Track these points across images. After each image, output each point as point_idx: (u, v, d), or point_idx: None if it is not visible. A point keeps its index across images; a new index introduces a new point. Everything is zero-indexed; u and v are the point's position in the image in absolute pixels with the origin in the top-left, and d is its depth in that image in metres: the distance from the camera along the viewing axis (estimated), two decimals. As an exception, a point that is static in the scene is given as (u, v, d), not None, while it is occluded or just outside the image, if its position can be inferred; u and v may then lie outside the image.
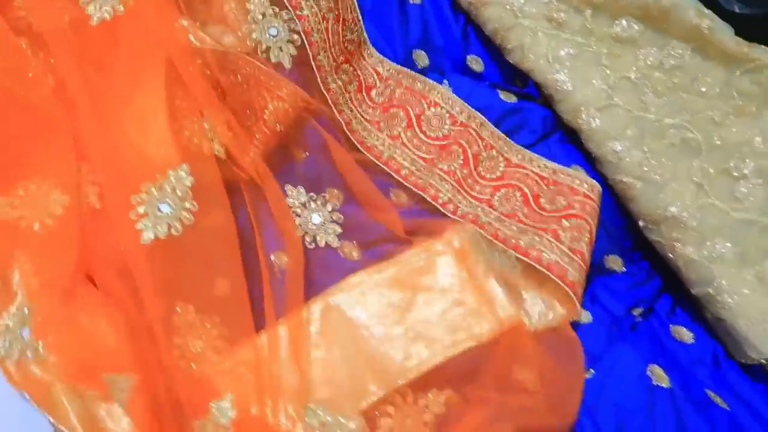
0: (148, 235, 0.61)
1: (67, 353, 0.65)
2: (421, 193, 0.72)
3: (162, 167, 0.66)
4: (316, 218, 0.71)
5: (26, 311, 0.65)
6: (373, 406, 0.64)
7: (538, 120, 0.76)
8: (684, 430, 0.64)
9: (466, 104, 0.74)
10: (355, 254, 0.70)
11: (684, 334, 0.72)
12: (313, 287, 0.68)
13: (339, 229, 0.70)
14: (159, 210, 0.62)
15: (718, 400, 0.68)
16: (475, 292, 0.66)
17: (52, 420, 0.62)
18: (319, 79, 0.74)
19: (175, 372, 0.63)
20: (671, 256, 0.69)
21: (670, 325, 0.73)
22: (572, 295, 0.65)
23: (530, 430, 0.63)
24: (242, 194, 0.69)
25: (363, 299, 0.67)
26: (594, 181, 0.70)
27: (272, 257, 0.67)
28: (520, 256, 0.68)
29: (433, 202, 0.72)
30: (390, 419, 0.63)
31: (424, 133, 0.74)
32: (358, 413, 0.64)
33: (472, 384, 0.62)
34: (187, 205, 0.63)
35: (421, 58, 0.82)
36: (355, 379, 0.64)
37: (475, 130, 0.73)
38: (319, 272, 0.69)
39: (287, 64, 0.71)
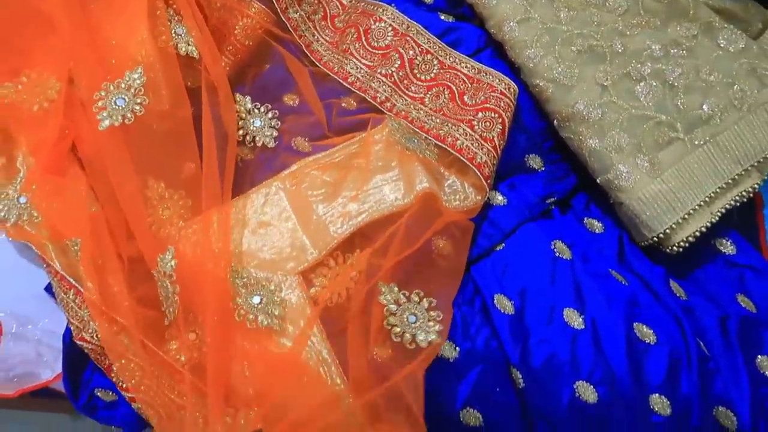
0: (104, 124, 0.73)
1: (56, 218, 0.77)
2: (364, 95, 0.83)
3: (121, 69, 0.78)
4: (258, 122, 0.82)
5: (24, 182, 0.78)
6: (310, 268, 0.75)
7: (473, 37, 0.85)
8: (581, 296, 0.72)
9: (408, 18, 0.84)
10: (307, 147, 0.81)
11: (595, 225, 0.80)
12: (261, 174, 0.80)
13: (276, 133, 0.82)
14: (115, 104, 0.74)
15: (618, 276, 0.75)
16: (399, 170, 0.76)
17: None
18: (279, 9, 0.88)
19: (143, 235, 0.74)
20: (579, 149, 0.77)
21: (585, 218, 0.81)
22: (479, 174, 0.74)
23: (439, 291, 0.72)
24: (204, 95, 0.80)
25: (305, 180, 0.78)
26: (511, 81, 0.79)
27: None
28: (438, 143, 0.78)
29: (373, 102, 0.83)
30: (325, 278, 0.73)
31: (369, 44, 0.85)
32: (297, 274, 0.74)
33: (388, 243, 0.72)
34: (138, 99, 0.74)
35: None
36: (295, 246, 0.75)
37: (412, 38, 0.84)
38: (263, 165, 0.80)
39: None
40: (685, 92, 0.76)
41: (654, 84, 0.76)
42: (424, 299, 0.69)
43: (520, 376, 0.68)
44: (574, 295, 0.72)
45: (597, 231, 0.80)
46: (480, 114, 0.77)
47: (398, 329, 0.68)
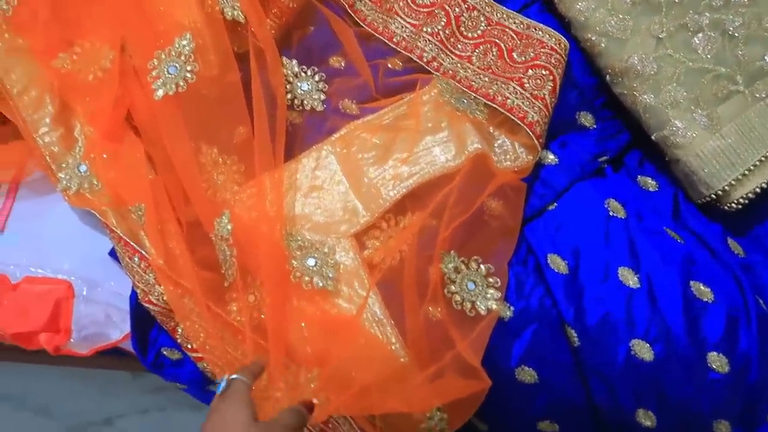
0: (158, 93, 0.73)
1: (116, 185, 0.79)
2: (410, 55, 0.82)
3: (170, 36, 0.78)
4: (305, 86, 0.82)
5: (83, 151, 0.80)
6: (362, 231, 0.76)
7: (520, -9, 0.84)
8: (636, 255, 0.72)
9: (452, -26, 0.83)
10: (355, 110, 0.81)
11: (649, 183, 0.79)
12: (310, 138, 0.80)
13: (323, 96, 0.81)
14: (168, 72, 0.74)
15: (674, 234, 0.74)
16: (449, 131, 0.75)
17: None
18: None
19: (200, 200, 0.76)
20: (633, 105, 0.75)
21: (638, 176, 0.80)
22: (530, 132, 0.74)
23: (495, 255, 0.73)
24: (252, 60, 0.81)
25: (355, 143, 0.78)
26: (561, 36, 0.77)
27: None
28: (488, 102, 0.77)
29: (419, 61, 0.82)
30: (377, 241, 0.74)
31: (414, 2, 0.84)
32: (350, 237, 0.75)
33: (440, 204, 0.72)
34: (189, 66, 0.74)
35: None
36: (347, 210, 0.76)
37: (457, -7, 0.82)
38: (313, 128, 0.80)
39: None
40: (745, 43, 0.73)
41: (712, 35, 0.73)
42: (482, 266, 0.70)
43: (575, 335, 0.69)
44: (629, 254, 0.72)
45: (651, 189, 0.79)
46: (530, 71, 0.76)
47: (458, 297, 0.69)
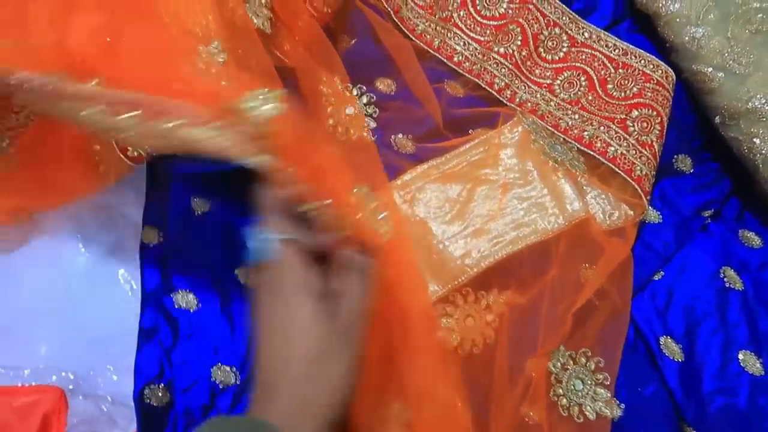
0: None
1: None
2: (476, 80, 0.67)
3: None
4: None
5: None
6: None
7: (609, 4, 0.69)
8: (757, 333, 0.62)
9: (525, -23, 0.67)
10: (410, 148, 0.66)
11: (752, 240, 0.68)
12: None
13: (373, 123, 0.66)
14: None
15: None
16: (540, 186, 0.62)
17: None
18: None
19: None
20: (749, 153, 0.64)
21: (739, 230, 0.69)
22: (639, 190, 0.61)
23: (601, 340, 0.61)
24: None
25: (419, 195, 0.63)
26: (668, 67, 0.64)
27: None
28: (583, 148, 0.63)
29: (489, 89, 0.67)
30: (450, 319, 0.60)
31: (478, 12, 0.68)
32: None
33: (537, 282, 0.59)
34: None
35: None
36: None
37: (535, 5, 0.67)
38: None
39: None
40: None
41: None
42: (591, 360, 0.58)
43: (694, 434, 0.59)
44: (749, 334, 0.62)
45: (755, 246, 0.68)
46: (635, 112, 0.63)
47: (565, 401, 0.56)
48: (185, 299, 0.59)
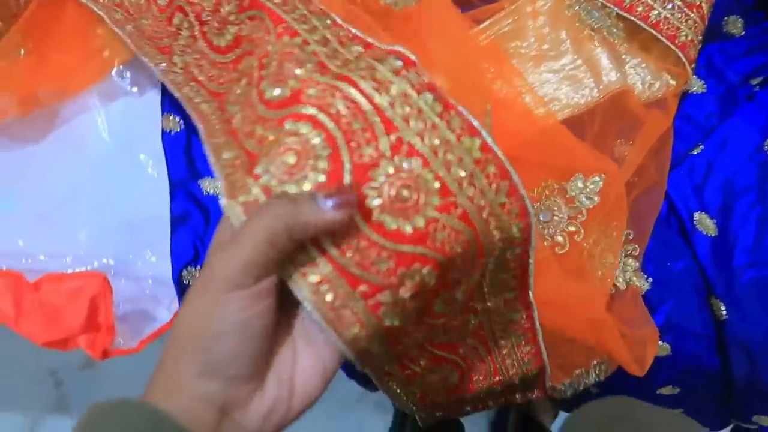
0: None
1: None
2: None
3: None
4: None
5: None
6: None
7: None
8: (796, 210, 0.60)
9: None
10: None
11: (803, 108, 0.65)
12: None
13: None
14: None
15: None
16: (573, 57, 0.58)
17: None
18: None
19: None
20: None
21: (789, 98, 0.65)
22: (684, 58, 0.57)
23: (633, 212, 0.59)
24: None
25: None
26: None
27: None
28: (623, 13, 0.58)
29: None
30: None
31: None
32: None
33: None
34: None
35: None
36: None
37: None
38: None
39: None
40: None
41: None
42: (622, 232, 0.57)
43: (723, 308, 0.58)
44: (789, 209, 0.59)
45: (806, 116, 0.64)
46: (683, -32, 0.57)
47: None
48: (213, 185, 0.59)
